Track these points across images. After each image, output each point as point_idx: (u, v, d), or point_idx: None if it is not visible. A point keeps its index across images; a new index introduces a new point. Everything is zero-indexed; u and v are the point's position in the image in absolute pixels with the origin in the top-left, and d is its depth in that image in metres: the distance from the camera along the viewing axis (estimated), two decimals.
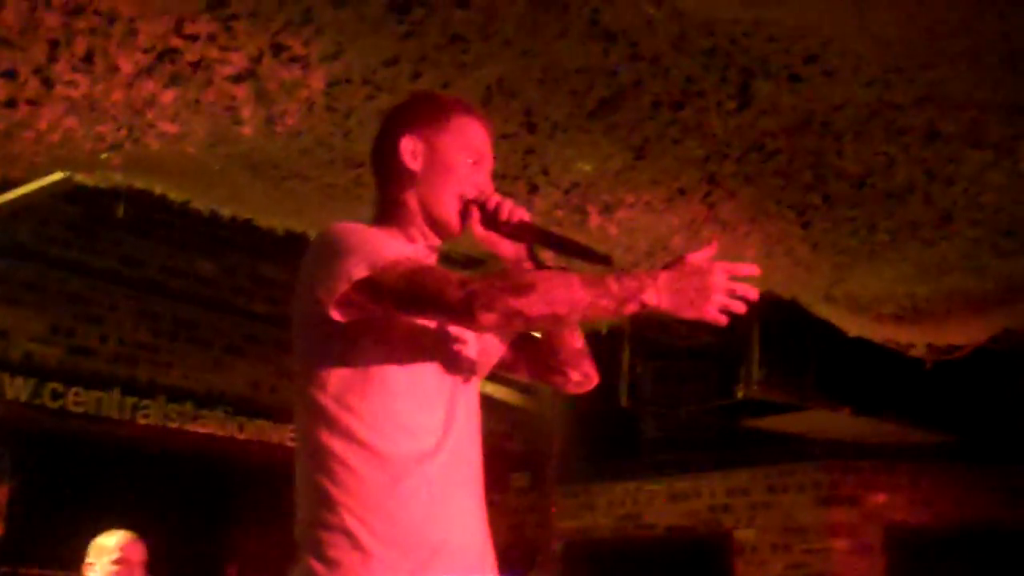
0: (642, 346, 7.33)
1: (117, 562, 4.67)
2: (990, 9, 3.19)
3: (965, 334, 5.36)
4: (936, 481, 8.47)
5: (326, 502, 1.97)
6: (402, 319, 2.03)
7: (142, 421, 7.02)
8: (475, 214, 2.18)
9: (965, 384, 6.73)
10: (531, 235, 2.21)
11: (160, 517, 6.78)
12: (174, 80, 3.36)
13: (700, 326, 7.21)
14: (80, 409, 6.77)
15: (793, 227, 4.44)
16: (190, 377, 7.26)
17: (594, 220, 4.30)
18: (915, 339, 5.41)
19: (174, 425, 7.13)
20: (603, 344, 7.30)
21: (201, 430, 7.19)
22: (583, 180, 4.10)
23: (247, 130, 3.68)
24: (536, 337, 2.34)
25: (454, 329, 2.14)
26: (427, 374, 2.08)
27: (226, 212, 4.72)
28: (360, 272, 1.96)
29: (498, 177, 4.04)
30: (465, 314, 1.90)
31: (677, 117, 3.75)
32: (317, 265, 2.04)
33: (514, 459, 9.40)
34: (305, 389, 2.04)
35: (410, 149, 2.20)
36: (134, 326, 7.09)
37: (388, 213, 2.22)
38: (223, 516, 7.77)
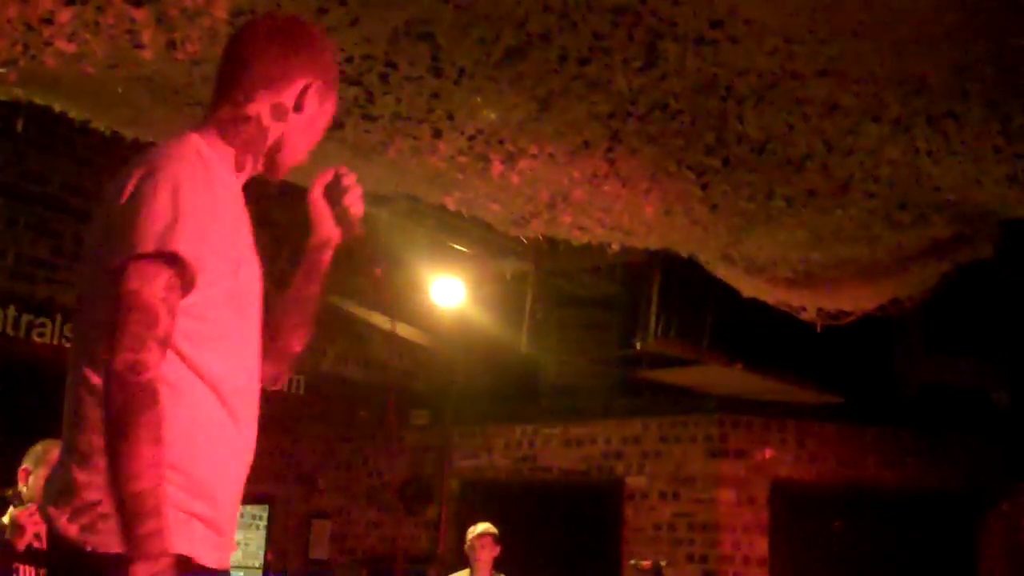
0: (546, 293, 7.38)
1: None
2: None
3: (855, 301, 5.50)
4: (821, 439, 8.74)
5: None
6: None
7: (38, 340, 6.91)
8: (324, 180, 2.31)
9: (851, 348, 6.93)
10: (351, 228, 2.30)
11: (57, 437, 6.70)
12: None
13: (604, 277, 7.30)
14: None
15: (693, 188, 4.49)
16: None
17: (496, 168, 4.31)
18: (806, 303, 5.53)
19: (70, 345, 7.03)
20: (508, 289, 7.34)
21: None
22: (487, 128, 4.10)
23: (147, 54, 3.60)
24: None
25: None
26: (237, 314, 2.11)
27: (128, 134, 4.62)
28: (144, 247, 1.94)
29: (403, 119, 4.04)
30: (117, 376, 1.87)
31: (583, 72, 3.76)
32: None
33: (415, 397, 9.46)
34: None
35: (315, 99, 2.21)
36: (33, 243, 6.94)
37: (232, 128, 2.16)
38: None
